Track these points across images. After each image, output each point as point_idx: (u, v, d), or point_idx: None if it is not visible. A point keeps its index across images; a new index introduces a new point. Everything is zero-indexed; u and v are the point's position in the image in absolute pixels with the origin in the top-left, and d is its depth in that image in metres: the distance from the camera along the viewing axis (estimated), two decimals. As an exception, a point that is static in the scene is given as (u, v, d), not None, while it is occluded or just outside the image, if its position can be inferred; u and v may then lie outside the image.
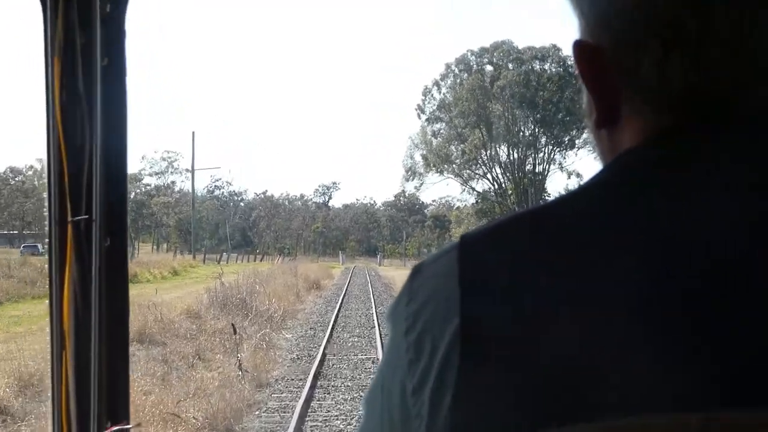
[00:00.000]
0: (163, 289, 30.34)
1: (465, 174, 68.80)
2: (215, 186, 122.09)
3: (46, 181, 2.32)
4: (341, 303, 30.38)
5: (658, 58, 0.83)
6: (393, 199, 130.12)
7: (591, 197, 0.84)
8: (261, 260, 75.21)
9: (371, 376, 12.45)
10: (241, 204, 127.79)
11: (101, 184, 2.26)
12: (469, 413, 0.75)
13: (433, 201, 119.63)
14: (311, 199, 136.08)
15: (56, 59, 2.23)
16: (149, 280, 36.21)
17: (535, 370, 0.73)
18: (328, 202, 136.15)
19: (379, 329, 21.87)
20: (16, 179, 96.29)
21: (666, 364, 0.72)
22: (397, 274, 55.06)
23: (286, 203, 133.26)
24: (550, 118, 65.56)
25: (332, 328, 22.73)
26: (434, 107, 69.11)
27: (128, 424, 2.32)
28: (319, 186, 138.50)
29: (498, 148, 67.44)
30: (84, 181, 2.26)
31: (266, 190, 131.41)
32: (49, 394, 2.37)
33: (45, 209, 2.36)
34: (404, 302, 0.84)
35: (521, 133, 66.81)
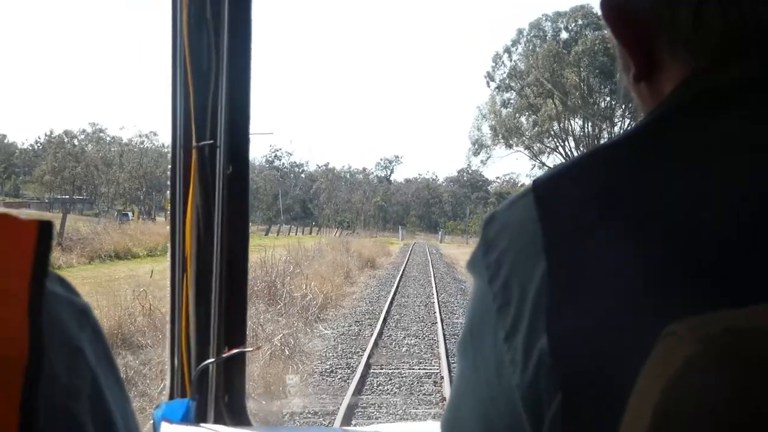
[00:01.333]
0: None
1: (535, 147, 62.95)
2: (275, 156, 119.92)
3: (171, 106, 2.33)
4: (397, 287, 25.14)
5: (692, 5, 0.83)
6: (456, 174, 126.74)
7: (654, 131, 0.84)
8: (318, 233, 70.15)
9: (433, 410, 9.18)
10: (302, 176, 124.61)
11: (226, 112, 2.31)
12: (567, 350, 0.74)
13: (497, 178, 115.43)
14: (373, 173, 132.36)
15: None
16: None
17: (627, 295, 0.73)
18: (389, 176, 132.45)
19: (443, 327, 16.58)
20: (70, 143, 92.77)
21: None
22: (459, 252, 49.68)
23: (348, 176, 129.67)
24: (627, 90, 59.60)
25: (383, 322, 17.50)
26: (504, 75, 63.33)
27: (246, 348, 2.38)
28: (381, 159, 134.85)
29: (572, 120, 61.49)
30: (209, 108, 2.32)
31: (328, 162, 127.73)
32: (168, 318, 2.41)
33: (169, 136, 2.35)
34: (482, 252, 0.84)
35: (596, 105, 60.77)
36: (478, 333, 0.86)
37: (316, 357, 13.77)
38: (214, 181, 2.33)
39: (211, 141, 2.32)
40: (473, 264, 0.87)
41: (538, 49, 60.94)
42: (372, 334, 15.75)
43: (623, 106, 60.00)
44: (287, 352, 13.17)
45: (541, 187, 0.83)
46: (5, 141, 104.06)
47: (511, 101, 63.39)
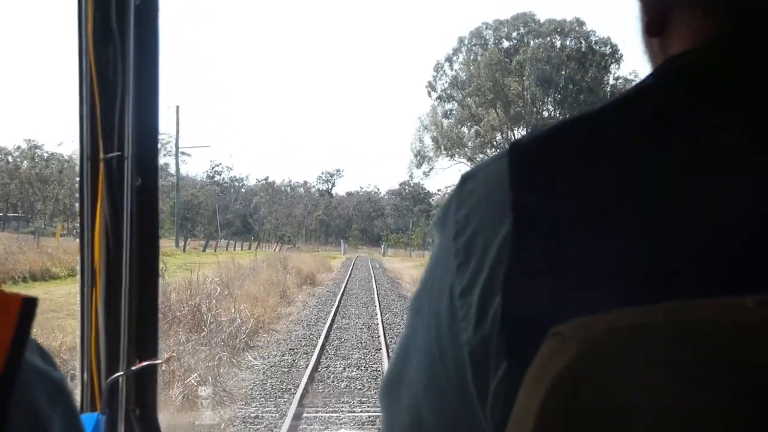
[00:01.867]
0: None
1: (478, 158, 61.31)
2: (215, 171, 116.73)
3: (78, 117, 2.32)
4: (337, 307, 23.00)
5: None
6: (398, 187, 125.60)
7: (634, 100, 0.82)
8: (256, 248, 67.67)
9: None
10: (242, 190, 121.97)
11: (134, 123, 2.28)
12: (522, 308, 0.73)
13: (439, 190, 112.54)
14: (314, 186, 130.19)
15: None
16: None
17: (592, 259, 0.72)
18: (331, 189, 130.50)
19: (388, 354, 14.49)
20: (3, 160, 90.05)
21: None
22: (403, 266, 47.68)
23: (288, 190, 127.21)
24: (572, 99, 58.16)
25: (321, 350, 15.37)
26: (446, 84, 61.55)
27: (157, 359, 2.36)
28: (323, 172, 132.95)
29: (515, 130, 59.92)
30: (116, 119, 2.28)
31: (268, 176, 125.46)
32: (78, 332, 2.39)
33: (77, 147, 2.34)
34: (453, 208, 0.84)
35: (540, 114, 59.32)
36: (435, 289, 0.84)
37: (240, 396, 11.57)
38: (122, 193, 2.30)
39: (119, 153, 2.29)
40: (442, 219, 0.85)
41: (479, 57, 59.37)
42: (307, 365, 13.63)
43: (567, 116, 58.81)
44: (204, 393, 10.97)
45: (518, 149, 0.81)
46: None
47: (453, 111, 61.70)
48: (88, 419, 2.28)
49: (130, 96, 2.28)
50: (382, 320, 19.89)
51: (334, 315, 21.10)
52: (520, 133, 59.87)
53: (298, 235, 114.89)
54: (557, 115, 59.44)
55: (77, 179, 2.40)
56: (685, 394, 0.59)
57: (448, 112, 61.88)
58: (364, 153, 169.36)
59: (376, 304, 23.91)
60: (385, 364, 13.74)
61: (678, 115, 0.78)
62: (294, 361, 14.59)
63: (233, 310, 17.32)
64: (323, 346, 16.04)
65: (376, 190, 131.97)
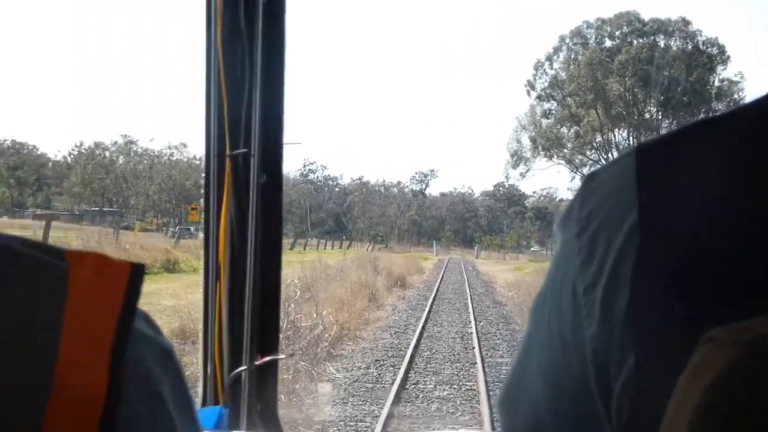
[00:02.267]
0: (189, 284, 21.85)
1: (577, 160, 58.96)
2: (309, 170, 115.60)
3: (204, 114, 2.34)
4: (428, 312, 21.44)
5: None
6: (492, 188, 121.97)
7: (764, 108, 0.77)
8: (348, 247, 66.57)
9: None
10: (336, 189, 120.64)
11: (260, 121, 2.33)
12: (648, 306, 0.70)
13: (534, 192, 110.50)
14: (408, 186, 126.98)
15: None
16: (193, 269, 27.59)
17: (718, 261, 0.69)
18: (424, 189, 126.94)
19: (484, 370, 12.94)
20: (101, 155, 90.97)
21: None
22: (497, 269, 45.93)
23: (382, 190, 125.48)
24: (676, 100, 55.51)
25: (409, 363, 13.87)
26: (546, 84, 59.44)
27: (279, 355, 2.41)
28: (416, 173, 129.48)
29: (616, 132, 57.54)
30: (243, 117, 2.33)
31: (362, 176, 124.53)
32: (200, 326, 2.41)
33: (203, 144, 2.35)
34: (577, 206, 0.82)
35: (641, 116, 56.82)
36: (558, 287, 0.82)
37: (314, 423, 10.11)
38: (247, 190, 2.34)
39: (245, 150, 2.33)
40: (566, 218, 0.83)
41: (580, 57, 57.16)
42: (394, 381, 12.13)
43: (670, 117, 56.09)
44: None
45: (644, 148, 0.79)
46: (36, 152, 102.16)
47: (552, 111, 59.52)
48: (211, 412, 2.28)
49: (257, 94, 2.30)
50: (476, 329, 18.37)
51: (425, 322, 19.64)
52: (621, 134, 57.50)
53: (391, 235, 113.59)
54: (660, 117, 56.87)
55: (203, 175, 2.42)
56: None
57: (548, 112, 59.77)
58: (459, 154, 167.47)
59: (470, 310, 22.34)
60: (482, 382, 12.20)
61: None
62: (379, 375, 13.19)
63: (315, 315, 15.93)
64: (412, 357, 14.56)
65: (470, 191, 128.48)
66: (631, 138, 57.15)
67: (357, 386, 12.39)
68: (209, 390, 2.43)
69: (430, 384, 12.60)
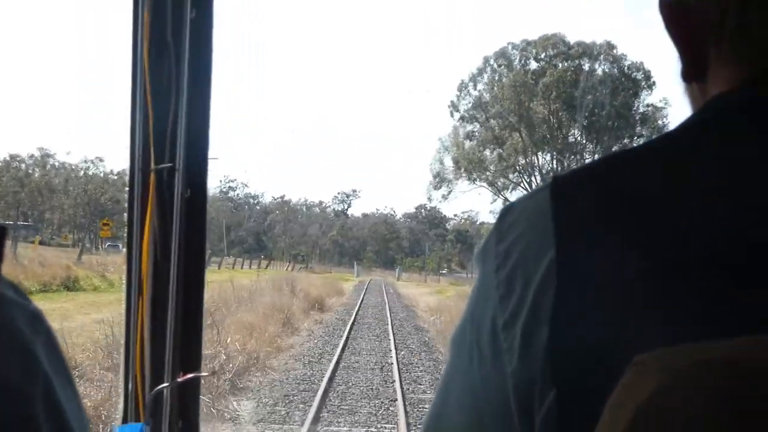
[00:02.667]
0: (85, 304, 19.98)
1: (499, 182, 57.98)
2: (229, 187, 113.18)
3: (129, 128, 2.34)
4: (346, 339, 19.87)
5: (738, 7, 0.80)
6: (414, 210, 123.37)
7: (678, 139, 0.81)
8: (266, 267, 64.58)
9: None
10: (257, 207, 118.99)
11: (185, 135, 2.29)
12: (567, 342, 0.72)
13: (455, 215, 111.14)
14: (330, 206, 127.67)
15: (146, 12, 2.26)
16: (94, 288, 25.55)
17: (634, 300, 0.70)
18: (347, 209, 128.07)
19: (405, 410, 11.41)
20: (16, 168, 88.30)
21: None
22: (418, 292, 44.54)
23: (304, 209, 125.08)
24: (600, 124, 55.02)
25: (322, 399, 12.28)
26: (469, 105, 58.40)
27: (201, 372, 2.36)
28: (339, 193, 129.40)
29: (539, 155, 56.76)
30: (168, 131, 2.29)
31: (284, 195, 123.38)
32: (123, 342, 2.40)
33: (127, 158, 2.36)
34: (494, 241, 0.83)
35: (565, 139, 56.19)
36: (477, 322, 0.82)
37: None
38: (171, 205, 2.30)
39: (170, 164, 2.30)
40: (484, 252, 0.84)
41: (504, 78, 56.35)
42: (303, 422, 10.51)
43: (594, 141, 55.60)
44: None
45: (559, 182, 0.79)
46: None
47: (475, 133, 58.47)
48: (131, 429, 2.27)
49: (183, 109, 2.27)
50: (397, 359, 16.82)
51: (342, 350, 18.07)
52: (544, 157, 56.80)
53: (312, 255, 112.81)
54: (584, 140, 56.39)
55: (127, 189, 2.37)
56: None
57: (471, 134, 58.68)
58: (381, 175, 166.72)
59: (390, 337, 20.80)
60: (402, 423, 10.67)
61: (731, 147, 0.76)
62: (287, 414, 11.54)
63: (217, 344, 14.25)
64: (326, 392, 12.95)
65: (392, 213, 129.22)
66: (554, 161, 56.47)
67: (261, 427, 10.75)
68: (130, 407, 2.34)
69: (344, 426, 11.01)
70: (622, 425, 0.61)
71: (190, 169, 2.31)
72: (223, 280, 25.19)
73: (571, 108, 54.83)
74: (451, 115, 59.01)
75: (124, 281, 2.38)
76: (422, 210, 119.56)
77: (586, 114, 55.04)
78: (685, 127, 0.82)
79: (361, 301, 33.95)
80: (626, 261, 0.72)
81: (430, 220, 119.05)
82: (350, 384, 14.11)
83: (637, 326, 0.69)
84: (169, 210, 2.30)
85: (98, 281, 25.95)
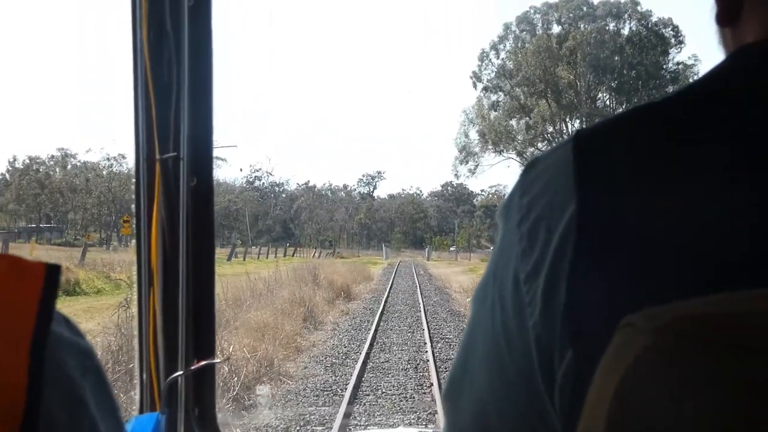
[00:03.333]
0: (82, 310, 17.68)
1: (528, 153, 55.18)
2: (255, 177, 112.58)
3: (133, 119, 2.34)
4: (374, 334, 17.39)
5: None
6: (440, 188, 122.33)
7: (705, 90, 0.78)
8: (293, 255, 62.21)
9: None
10: (283, 195, 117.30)
11: (189, 124, 2.28)
12: (587, 296, 0.70)
13: (482, 190, 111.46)
14: (355, 189, 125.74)
15: (144, 2, 2.24)
16: (97, 291, 23.21)
17: (655, 252, 0.69)
18: (372, 192, 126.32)
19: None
20: (34, 170, 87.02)
21: None
22: (450, 272, 42.02)
23: (329, 194, 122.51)
24: (629, 86, 52.09)
25: (345, 418, 9.80)
26: (492, 74, 55.63)
27: (215, 359, 2.34)
28: (364, 175, 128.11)
29: (568, 122, 53.93)
30: (171, 120, 2.28)
31: (308, 180, 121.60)
32: (135, 333, 2.40)
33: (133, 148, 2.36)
34: (518, 195, 0.81)
35: (594, 103, 53.30)
36: (500, 276, 0.81)
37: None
38: (178, 194, 2.29)
39: (174, 153, 2.28)
40: (507, 207, 0.82)
41: (527, 44, 53.49)
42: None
43: (624, 104, 52.70)
44: None
45: (582, 136, 0.78)
46: None
47: (501, 103, 55.69)
48: (147, 419, 2.24)
49: (184, 97, 2.26)
50: (433, 355, 14.31)
51: (370, 346, 15.55)
52: (573, 124, 53.97)
53: (340, 240, 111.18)
54: (614, 103, 53.40)
55: (133, 180, 2.39)
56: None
57: (496, 104, 55.93)
58: (406, 155, 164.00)
59: (424, 327, 18.30)
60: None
61: (755, 99, 0.73)
62: (301, 442, 9.05)
63: (225, 350, 11.85)
64: (350, 404, 10.48)
65: (419, 192, 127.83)
66: (584, 127, 53.74)
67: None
68: (145, 397, 2.31)
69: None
70: (612, 388, 0.60)
71: (195, 158, 2.27)
72: (239, 273, 22.78)
73: (598, 71, 51.95)
74: (474, 86, 56.22)
75: (135, 272, 2.36)
76: (448, 187, 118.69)
77: (615, 76, 52.17)
78: (713, 75, 0.77)
79: (391, 286, 31.45)
80: (647, 218, 0.69)
81: (457, 197, 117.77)
82: (379, 392, 11.65)
83: (649, 286, 0.66)
84: (176, 199, 2.29)
85: (102, 283, 23.59)
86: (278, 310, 17.70)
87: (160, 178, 2.29)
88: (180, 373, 2.28)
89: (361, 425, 9.77)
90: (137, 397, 2.38)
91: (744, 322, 0.59)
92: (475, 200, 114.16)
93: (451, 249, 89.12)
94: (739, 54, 0.79)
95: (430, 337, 16.65)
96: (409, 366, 13.71)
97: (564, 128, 53.94)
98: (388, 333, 17.76)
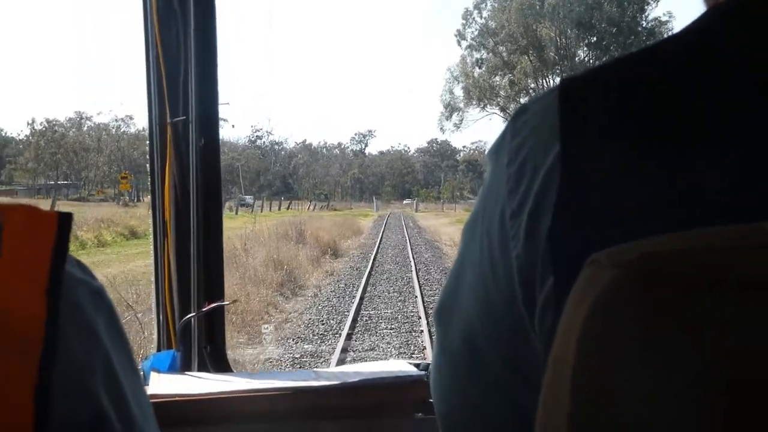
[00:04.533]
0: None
1: (511, 108, 50.73)
2: (257, 136, 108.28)
3: (146, 86, 2.33)
4: (360, 301, 13.25)
5: None
6: (426, 145, 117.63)
7: (685, 41, 0.74)
8: (287, 208, 57.98)
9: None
10: (282, 153, 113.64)
11: (196, 90, 2.28)
12: (566, 231, 0.69)
13: (464, 147, 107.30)
14: (348, 147, 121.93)
15: None
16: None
17: (631, 194, 0.67)
18: (364, 149, 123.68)
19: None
20: (51, 130, 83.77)
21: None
22: (438, 223, 37.89)
23: (324, 151, 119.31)
24: (608, 41, 47.59)
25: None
26: (476, 33, 50.98)
27: (224, 301, 2.36)
28: (356, 134, 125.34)
29: (549, 77, 49.44)
30: (180, 87, 2.29)
31: (305, 139, 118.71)
32: (152, 279, 2.41)
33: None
34: (508, 138, 0.80)
35: (574, 59, 48.77)
36: (487, 213, 0.80)
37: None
38: (188, 153, 2.30)
39: (184, 117, 2.30)
40: (498, 148, 0.81)
41: (513, 2, 48.83)
42: None
43: (602, 58, 48.22)
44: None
45: (568, 82, 0.76)
46: (2, 134, 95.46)
47: (484, 60, 51.09)
48: (165, 356, 2.24)
49: (192, 65, 2.26)
50: (428, 325, 10.20)
51: (354, 318, 11.43)
52: (554, 80, 49.50)
53: (335, 193, 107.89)
54: (593, 59, 48.91)
55: (147, 142, 2.37)
56: (732, 316, 0.54)
57: (479, 61, 51.32)
58: (394, 114, 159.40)
59: (417, 292, 14.20)
60: None
61: (733, 48, 0.70)
62: None
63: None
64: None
65: (407, 149, 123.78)
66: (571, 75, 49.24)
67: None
68: (162, 336, 2.35)
69: None
70: (580, 321, 0.59)
71: (203, 121, 2.29)
72: (239, 228, 18.60)
73: (579, 26, 47.40)
74: (458, 44, 51.50)
75: (150, 225, 2.35)
76: (434, 144, 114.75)
77: (594, 32, 47.70)
78: (691, 27, 0.74)
79: (380, 240, 27.22)
80: (625, 160, 0.67)
81: (441, 153, 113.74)
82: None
83: (623, 226, 0.65)
84: (186, 158, 2.28)
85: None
86: (251, 275, 13.54)
87: (171, 139, 2.30)
88: (193, 314, 2.30)
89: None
90: (155, 337, 2.39)
91: (710, 257, 0.56)
92: (458, 156, 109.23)
93: (439, 202, 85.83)
94: (714, 7, 0.74)
95: (423, 303, 12.53)
96: (400, 343, 9.57)
97: (544, 83, 49.53)
98: (375, 301, 13.61)
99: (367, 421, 2.08)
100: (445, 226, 34.41)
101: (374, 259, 20.19)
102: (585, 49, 48.61)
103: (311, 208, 62.12)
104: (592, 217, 0.67)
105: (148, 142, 2.36)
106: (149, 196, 2.44)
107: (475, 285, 0.81)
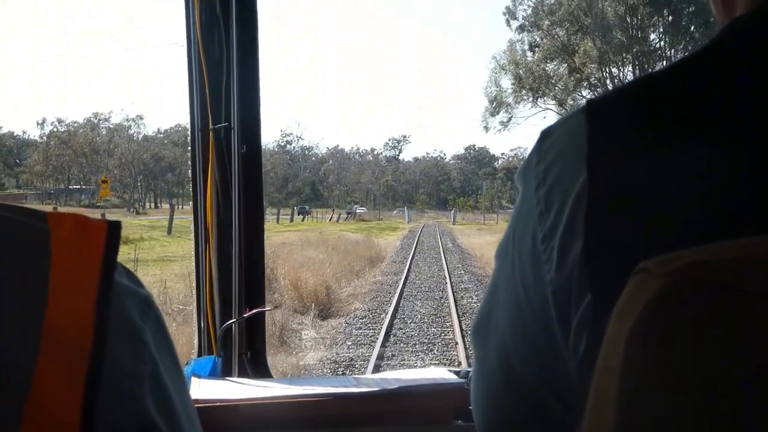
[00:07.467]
0: None
1: (568, 104, 40.86)
2: (286, 141, 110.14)
3: (188, 93, 2.36)
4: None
5: None
6: (463, 151, 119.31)
7: (705, 60, 0.75)
8: (302, 220, 48.93)
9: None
10: (312, 158, 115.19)
11: (238, 97, 2.26)
12: (601, 247, 0.71)
13: (503, 154, 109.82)
14: (381, 153, 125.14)
15: None
16: None
17: (664, 207, 0.68)
18: (398, 155, 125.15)
19: None
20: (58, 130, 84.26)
21: None
22: (483, 242, 29.41)
23: (357, 157, 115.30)
24: (687, 22, 40.33)
25: None
26: (529, 11, 41.50)
27: (265, 307, 2.36)
28: (390, 139, 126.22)
29: (617, 64, 39.54)
30: (223, 94, 2.27)
31: (337, 144, 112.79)
32: (194, 285, 2.43)
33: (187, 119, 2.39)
34: (534, 162, 0.82)
35: (648, 42, 39.22)
36: (519, 236, 0.82)
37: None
38: (230, 160, 2.27)
39: (226, 123, 2.26)
40: (525, 172, 0.83)
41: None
42: None
43: (683, 43, 38.16)
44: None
45: (594, 104, 0.77)
46: (23, 137, 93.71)
47: (538, 44, 41.22)
48: (206, 361, 2.24)
49: (234, 72, 2.25)
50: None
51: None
52: (621, 68, 39.62)
53: (366, 201, 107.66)
54: (664, 44, 38.96)
55: (189, 149, 2.40)
56: None
57: (533, 44, 41.61)
58: (430, 119, 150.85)
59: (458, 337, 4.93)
60: None
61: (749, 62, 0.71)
62: None
63: None
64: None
65: (442, 155, 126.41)
66: (637, 71, 39.06)
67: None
68: (203, 342, 2.33)
69: None
70: (628, 327, 0.58)
71: (245, 127, 2.26)
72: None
73: (653, 3, 37.52)
74: (508, 23, 42.01)
75: (192, 231, 2.37)
76: (471, 150, 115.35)
77: (671, 9, 37.86)
78: (709, 46, 0.74)
79: (404, 280, 17.73)
80: (655, 178, 0.68)
81: (479, 160, 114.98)
82: None
83: (662, 236, 0.66)
84: (228, 165, 2.26)
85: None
86: None
87: (213, 145, 2.28)
88: (234, 320, 2.29)
89: None
90: (196, 342, 2.41)
91: (758, 267, 0.55)
92: (496, 163, 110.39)
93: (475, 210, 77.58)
94: (731, 25, 0.75)
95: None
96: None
97: (610, 73, 39.55)
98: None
99: (406, 428, 2.09)
100: (493, 246, 24.53)
101: (388, 329, 10.53)
102: (660, 30, 38.65)
103: (334, 219, 53.02)
104: (627, 233, 0.68)
105: (189, 148, 2.39)
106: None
107: (509, 305, 0.84)
